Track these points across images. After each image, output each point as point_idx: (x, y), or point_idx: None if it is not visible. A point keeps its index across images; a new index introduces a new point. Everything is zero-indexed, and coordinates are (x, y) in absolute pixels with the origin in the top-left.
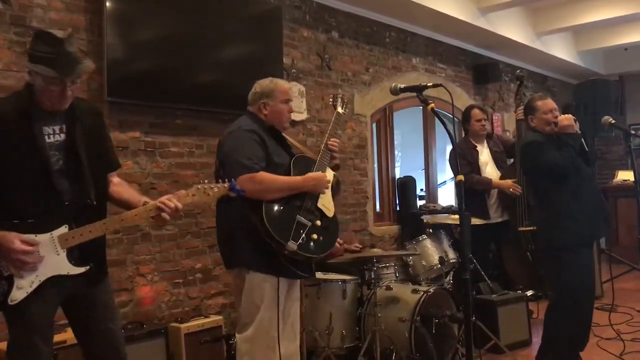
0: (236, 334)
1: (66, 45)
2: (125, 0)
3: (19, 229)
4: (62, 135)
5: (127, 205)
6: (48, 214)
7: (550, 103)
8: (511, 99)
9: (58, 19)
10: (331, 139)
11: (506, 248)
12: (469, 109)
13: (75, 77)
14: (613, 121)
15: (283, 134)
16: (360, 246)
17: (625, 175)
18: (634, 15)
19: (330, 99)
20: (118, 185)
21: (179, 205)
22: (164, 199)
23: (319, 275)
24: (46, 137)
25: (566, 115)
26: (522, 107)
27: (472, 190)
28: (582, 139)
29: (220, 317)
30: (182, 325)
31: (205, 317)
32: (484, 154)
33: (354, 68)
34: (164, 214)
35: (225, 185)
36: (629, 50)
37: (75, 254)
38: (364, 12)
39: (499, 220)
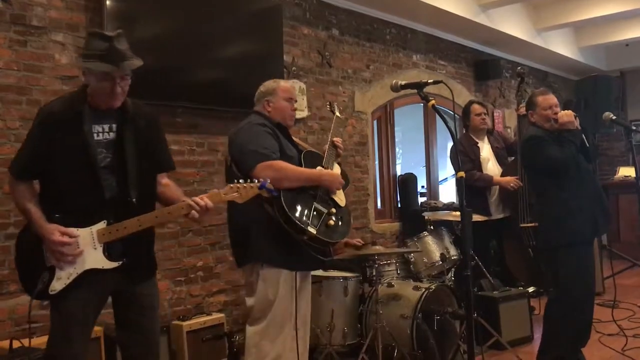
0: (247, 325)
1: (115, 43)
2: None
3: (61, 222)
4: (112, 134)
5: (170, 204)
6: (90, 209)
7: (550, 99)
8: (512, 96)
9: (58, 17)
10: (335, 137)
11: (508, 244)
12: (468, 104)
13: (123, 72)
14: (614, 117)
15: (289, 132)
16: (362, 242)
17: (626, 172)
18: (635, 11)
19: (327, 106)
20: (165, 185)
21: (209, 203)
22: (195, 197)
23: (321, 272)
24: (95, 134)
25: (566, 111)
26: (523, 104)
27: (473, 186)
28: (583, 135)
29: (222, 315)
30: (184, 323)
31: (207, 314)
32: (485, 150)
33: (354, 65)
34: (193, 212)
35: (257, 185)
36: (630, 46)
37: (113, 249)
38: (364, 10)
39: (500, 216)
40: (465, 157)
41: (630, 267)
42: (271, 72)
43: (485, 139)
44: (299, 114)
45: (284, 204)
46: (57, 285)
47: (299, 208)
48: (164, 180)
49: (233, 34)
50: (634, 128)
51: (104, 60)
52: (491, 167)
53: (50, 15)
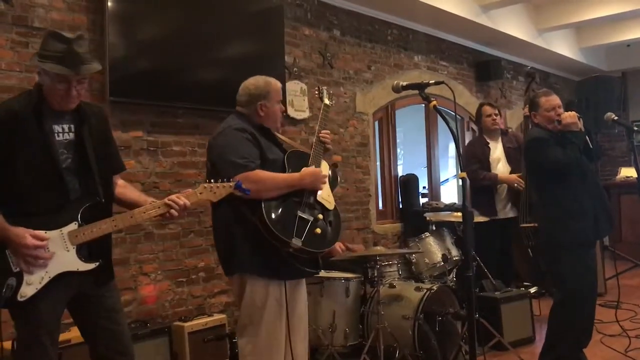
0: (237, 338)
1: (74, 46)
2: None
3: (28, 225)
4: (71, 134)
5: (133, 206)
6: (57, 210)
7: (554, 100)
8: (514, 96)
9: (60, 18)
10: (322, 132)
11: (515, 245)
12: (480, 106)
13: (80, 76)
14: (616, 118)
15: (272, 132)
16: (363, 247)
17: (628, 172)
18: (636, 11)
19: (316, 92)
20: (123, 187)
21: (188, 202)
22: (172, 196)
23: (322, 273)
24: (56, 135)
25: (570, 112)
26: None
27: (480, 186)
28: (587, 136)
29: (223, 316)
30: (186, 324)
31: (209, 315)
32: (497, 151)
33: (355, 66)
34: (172, 211)
35: (231, 185)
36: (632, 46)
37: (84, 251)
38: (366, 10)
39: (507, 217)
40: (473, 157)
41: (632, 268)
42: (272, 72)
43: (499, 139)
44: (300, 115)
45: (265, 217)
46: (27, 290)
47: (282, 219)
48: (119, 181)
49: (234, 35)
50: (635, 128)
51: (62, 63)
52: (501, 167)
53: (52, 17)
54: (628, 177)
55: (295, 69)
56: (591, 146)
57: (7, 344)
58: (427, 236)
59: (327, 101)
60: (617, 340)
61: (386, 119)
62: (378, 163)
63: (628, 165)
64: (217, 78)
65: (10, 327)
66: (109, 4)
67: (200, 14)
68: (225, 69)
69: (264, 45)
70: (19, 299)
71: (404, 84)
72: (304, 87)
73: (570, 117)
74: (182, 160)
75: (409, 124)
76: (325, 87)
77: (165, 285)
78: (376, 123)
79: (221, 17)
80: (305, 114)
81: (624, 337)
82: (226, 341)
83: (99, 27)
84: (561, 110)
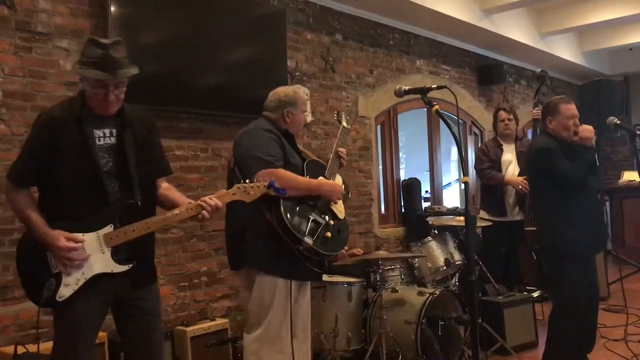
0: (244, 334)
1: (111, 50)
2: (129, 4)
3: (66, 228)
4: (113, 139)
5: (174, 207)
6: (95, 213)
7: (573, 108)
8: (516, 100)
9: (63, 23)
10: (339, 149)
11: (521, 247)
12: (496, 111)
13: (117, 80)
14: (618, 122)
15: (295, 139)
16: (362, 251)
17: (630, 176)
18: (638, 15)
19: (335, 115)
20: (166, 189)
21: (219, 203)
22: (205, 197)
23: (325, 278)
24: (97, 139)
25: (588, 126)
26: (539, 108)
27: (489, 185)
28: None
29: (226, 320)
30: (188, 329)
31: (211, 320)
32: (508, 154)
33: (357, 70)
34: (204, 212)
35: (265, 184)
36: (634, 50)
37: (120, 253)
38: (368, 15)
39: (515, 219)
40: (485, 157)
41: (635, 272)
42: (275, 77)
43: (513, 144)
44: None
45: (282, 212)
46: (65, 291)
47: (297, 217)
48: (164, 184)
49: (237, 39)
50: (638, 132)
51: (98, 68)
52: (511, 170)
53: (55, 22)
54: (631, 181)
55: (297, 73)
56: (597, 164)
57: (9, 349)
58: (429, 240)
59: (345, 124)
60: (621, 345)
61: (388, 123)
62: (380, 167)
63: (631, 169)
64: (220, 82)
65: (12, 331)
66: (112, 8)
67: (203, 19)
68: (228, 74)
69: (266, 50)
70: (58, 299)
71: (406, 88)
72: (307, 91)
73: (589, 131)
74: (185, 164)
75: (411, 128)
76: (344, 112)
77: (168, 290)
78: (378, 127)
79: (223, 22)
80: (308, 119)
81: (628, 342)
82: (228, 346)
83: (101, 32)
84: (578, 121)
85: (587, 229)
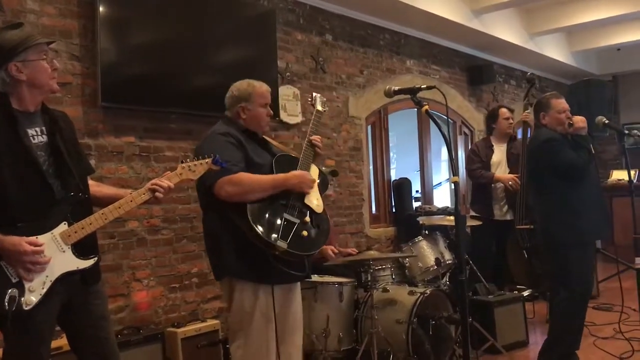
0: (229, 343)
1: (26, 26)
2: (118, 4)
3: (18, 232)
4: (44, 137)
5: (112, 200)
6: (45, 213)
7: (564, 102)
8: (506, 100)
9: (51, 24)
10: (313, 136)
11: (510, 246)
12: (496, 108)
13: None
14: (607, 121)
15: (264, 136)
16: (356, 250)
17: (619, 175)
18: (626, 15)
19: (309, 99)
20: (96, 185)
21: (171, 184)
22: (154, 180)
23: (315, 278)
24: (31, 138)
25: (580, 117)
26: (529, 110)
27: (479, 186)
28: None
29: (217, 322)
30: (179, 330)
31: (202, 321)
32: (498, 154)
33: (348, 71)
34: (157, 194)
35: (208, 161)
36: (622, 50)
37: (79, 249)
38: (358, 15)
39: (504, 219)
40: (476, 157)
41: (624, 271)
42: (265, 77)
43: (505, 144)
44: (293, 120)
45: (250, 220)
46: (32, 297)
47: (267, 221)
48: (91, 181)
49: (227, 40)
50: (626, 131)
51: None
52: (500, 172)
53: (43, 23)
54: (620, 179)
55: (287, 73)
56: (593, 151)
57: None
58: (420, 240)
59: (319, 107)
60: (609, 342)
61: (379, 123)
62: (371, 167)
63: (619, 168)
64: (210, 83)
65: None
66: (100, 9)
67: (192, 19)
68: (218, 74)
69: (257, 50)
70: (25, 307)
71: (396, 88)
72: (297, 91)
73: (582, 121)
74: (175, 165)
75: (402, 128)
76: (319, 95)
77: (158, 291)
78: (369, 127)
79: (213, 23)
80: (298, 119)
81: (617, 340)
82: (220, 347)
83: (90, 33)
84: (570, 114)
85: (592, 217)
